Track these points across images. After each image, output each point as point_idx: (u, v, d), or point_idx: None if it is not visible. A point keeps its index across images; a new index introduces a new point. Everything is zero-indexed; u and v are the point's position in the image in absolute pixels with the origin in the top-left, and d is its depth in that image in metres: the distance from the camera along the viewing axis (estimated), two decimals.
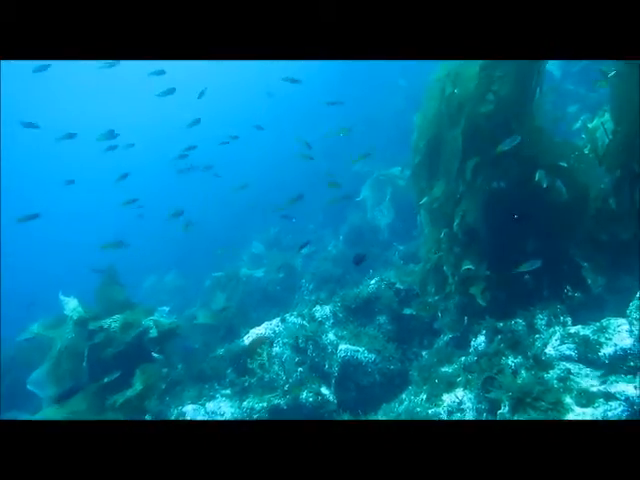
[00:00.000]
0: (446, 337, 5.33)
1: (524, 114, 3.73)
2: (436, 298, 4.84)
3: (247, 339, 5.84)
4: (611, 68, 4.25)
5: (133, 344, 4.85)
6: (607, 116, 4.52)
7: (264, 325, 5.92)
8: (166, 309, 5.40)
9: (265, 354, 5.56)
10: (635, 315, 3.19)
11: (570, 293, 4.17)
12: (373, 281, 6.56)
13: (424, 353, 5.59)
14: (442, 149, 4.14)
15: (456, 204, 4.27)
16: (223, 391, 5.36)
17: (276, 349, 5.62)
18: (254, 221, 17.00)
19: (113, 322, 5.21)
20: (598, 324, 3.55)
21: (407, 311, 5.11)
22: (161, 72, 7.19)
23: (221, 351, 5.73)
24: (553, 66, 11.61)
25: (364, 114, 19.84)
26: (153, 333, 4.83)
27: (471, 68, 3.71)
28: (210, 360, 5.51)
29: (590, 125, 4.79)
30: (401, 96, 18.51)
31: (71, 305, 5.43)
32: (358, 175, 15.00)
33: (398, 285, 5.23)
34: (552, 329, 3.85)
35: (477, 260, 4.43)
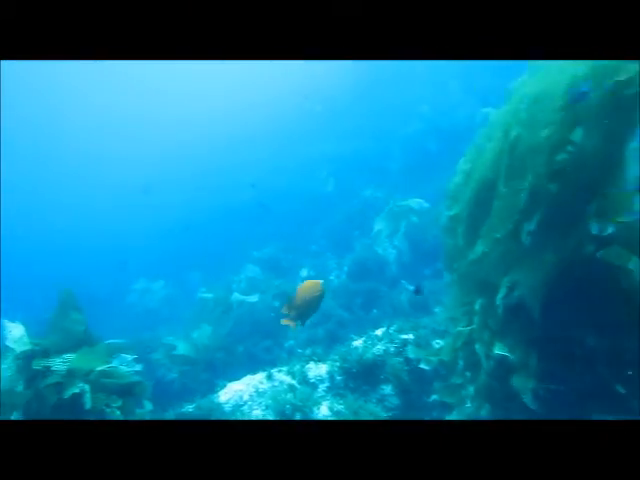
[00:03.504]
0: None
1: (613, 176, 2.84)
2: (468, 386, 3.91)
3: (224, 395, 4.89)
4: None
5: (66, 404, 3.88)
6: None
7: (246, 380, 4.97)
8: (129, 357, 4.43)
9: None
10: None
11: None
12: (381, 331, 5.65)
13: None
14: (494, 203, 3.24)
15: (504, 273, 3.37)
16: None
17: (257, 412, 4.66)
18: (252, 237, 16.13)
19: (62, 363, 4.26)
20: None
21: (432, 397, 4.14)
22: None
23: (190, 407, 4.76)
24: None
25: (377, 136, 19.13)
26: (86, 403, 3.85)
27: (548, 106, 2.85)
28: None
29: None
30: (420, 122, 17.77)
31: (16, 333, 4.49)
32: (367, 202, 14.17)
33: (423, 365, 4.24)
34: None
35: (522, 346, 3.51)
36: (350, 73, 22.62)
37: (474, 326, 3.93)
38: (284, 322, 3.57)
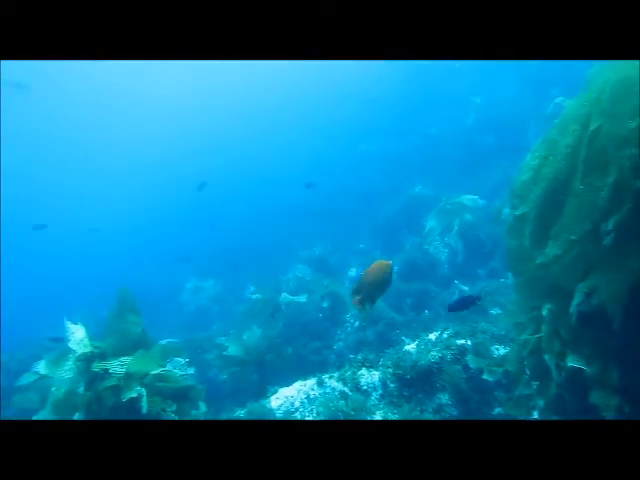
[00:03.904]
0: None
1: None
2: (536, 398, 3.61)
3: (275, 400, 4.83)
4: None
5: (124, 407, 3.95)
6: None
7: (297, 385, 4.89)
8: (182, 361, 4.47)
9: None
10: None
11: None
12: (434, 335, 5.39)
13: None
14: (569, 202, 2.93)
15: (580, 277, 3.04)
16: None
17: (309, 419, 4.56)
18: (299, 236, 16.13)
19: (120, 366, 4.37)
20: None
21: (496, 410, 3.87)
22: None
23: (242, 412, 4.75)
24: None
25: (426, 131, 18.52)
26: (143, 407, 3.89)
27: (636, 94, 2.50)
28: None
29: None
30: (472, 114, 17.00)
31: (77, 336, 4.66)
32: (417, 199, 13.74)
33: (485, 376, 3.95)
34: None
35: (599, 357, 3.16)
36: (401, 68, 22.09)
37: (542, 334, 3.61)
38: (354, 303, 3.43)
